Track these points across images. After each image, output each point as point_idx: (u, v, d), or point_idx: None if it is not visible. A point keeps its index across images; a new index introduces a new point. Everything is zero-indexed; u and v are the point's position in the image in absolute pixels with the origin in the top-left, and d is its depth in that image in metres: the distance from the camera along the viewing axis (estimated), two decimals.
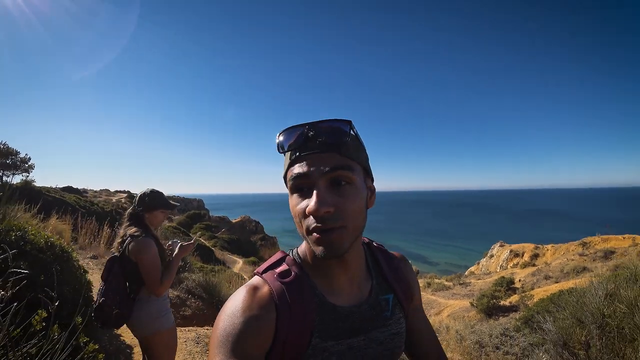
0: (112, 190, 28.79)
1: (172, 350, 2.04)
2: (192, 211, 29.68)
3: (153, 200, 2.04)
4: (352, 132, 0.64)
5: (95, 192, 25.48)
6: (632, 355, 2.21)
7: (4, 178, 13.62)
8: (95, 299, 1.86)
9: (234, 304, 0.61)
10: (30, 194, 9.34)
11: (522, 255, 23.48)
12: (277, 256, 0.74)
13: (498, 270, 22.61)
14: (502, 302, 10.48)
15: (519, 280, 15.00)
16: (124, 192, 28.82)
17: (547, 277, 14.05)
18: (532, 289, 12.24)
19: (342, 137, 0.62)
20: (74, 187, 19.76)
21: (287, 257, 0.73)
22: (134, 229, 1.94)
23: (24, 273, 1.14)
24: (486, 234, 66.18)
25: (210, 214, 32.85)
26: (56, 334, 1.45)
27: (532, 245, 24.24)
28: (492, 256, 26.97)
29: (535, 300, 8.53)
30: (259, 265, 0.74)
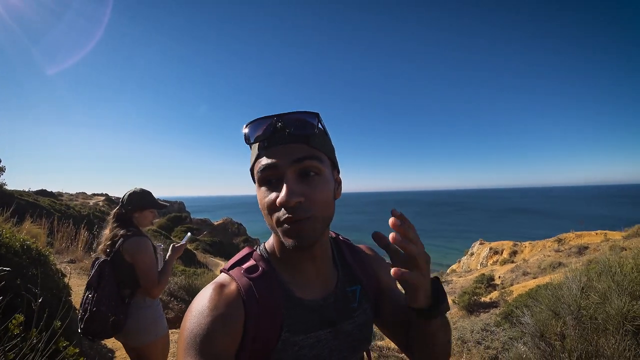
0: (89, 193, 27.76)
1: (165, 357, 1.96)
2: (173, 214, 28.99)
3: (143, 199, 1.96)
4: (319, 124, 0.65)
5: (71, 195, 24.51)
6: (604, 344, 2.33)
7: None
8: (81, 309, 1.71)
9: (201, 303, 0.60)
10: (1, 198, 8.94)
11: (502, 253, 24.05)
12: (243, 252, 0.73)
13: (479, 268, 23.12)
14: (482, 299, 10.70)
15: (499, 277, 15.36)
16: (101, 195, 27.87)
17: (525, 273, 14.46)
18: (512, 285, 12.54)
19: (310, 128, 0.63)
20: (48, 190, 18.95)
21: (254, 252, 0.73)
22: (124, 230, 1.84)
23: (5, 270, 1.10)
24: (467, 232, 67.51)
25: (192, 217, 32.19)
26: (35, 338, 1.40)
27: (510, 243, 24.86)
28: (472, 254, 27.55)
29: (514, 295, 8.75)
30: None
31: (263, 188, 0.63)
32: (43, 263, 2.27)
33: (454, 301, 11.46)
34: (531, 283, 10.64)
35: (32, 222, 6.27)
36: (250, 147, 0.67)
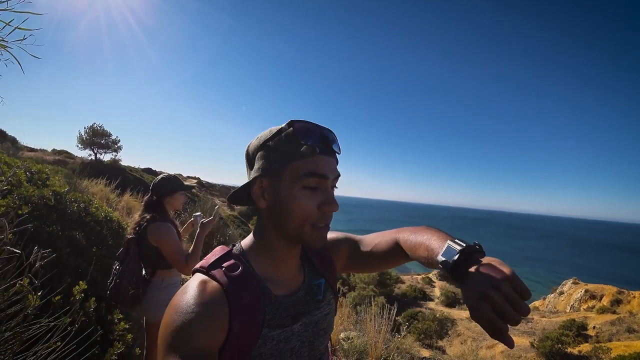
0: (184, 175, 31.20)
1: None
2: None
3: (171, 183, 2.13)
4: None
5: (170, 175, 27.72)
6: None
7: (97, 155, 15.68)
8: (110, 278, 1.94)
9: (185, 300, 0.61)
10: (115, 171, 10.53)
11: (600, 299, 20.57)
12: (220, 251, 0.74)
13: (568, 311, 20.15)
14: (569, 349, 9.26)
15: (593, 328, 13.20)
16: (194, 178, 31.11)
17: (630, 330, 12.11)
18: (610, 340, 10.70)
19: (339, 149, 0.75)
20: (153, 169, 21.82)
21: (232, 251, 0.74)
22: (149, 215, 2.00)
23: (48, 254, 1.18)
24: (552, 264, 59.09)
25: None
26: (93, 306, 1.52)
27: (614, 289, 21.11)
28: (562, 293, 24.03)
29: (612, 355, 7.34)
30: None
31: (306, 191, 0.67)
32: (121, 235, 2.51)
33: (532, 344, 10.10)
34: (638, 345, 8.78)
35: (131, 194, 7.21)
36: (290, 144, 0.69)
